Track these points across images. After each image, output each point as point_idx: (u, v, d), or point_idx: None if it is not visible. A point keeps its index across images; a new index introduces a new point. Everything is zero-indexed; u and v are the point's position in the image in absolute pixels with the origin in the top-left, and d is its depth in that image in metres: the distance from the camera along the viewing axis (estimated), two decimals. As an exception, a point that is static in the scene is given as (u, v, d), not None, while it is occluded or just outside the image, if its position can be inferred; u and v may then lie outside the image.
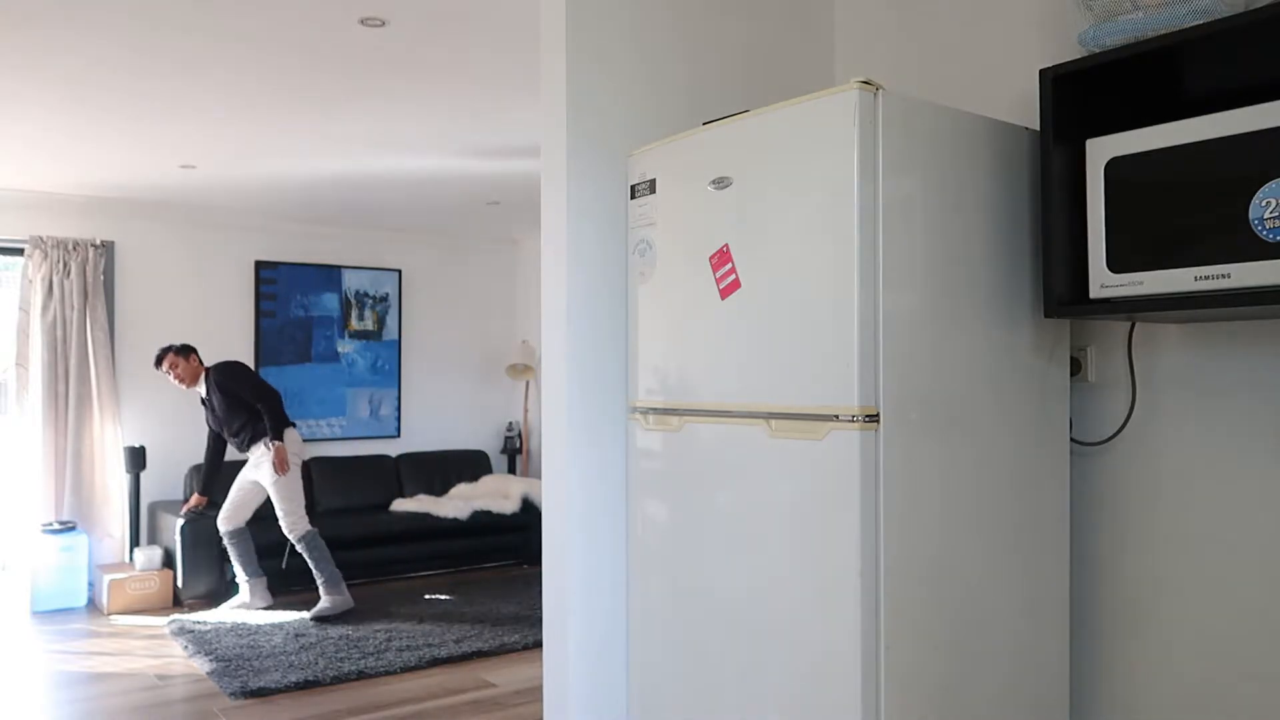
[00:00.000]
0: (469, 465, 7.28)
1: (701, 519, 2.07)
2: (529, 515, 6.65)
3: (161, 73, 3.64)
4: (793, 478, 1.86)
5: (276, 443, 5.27)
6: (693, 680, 2.10)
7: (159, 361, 5.32)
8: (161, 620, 5.35)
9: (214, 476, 5.56)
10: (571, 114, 2.25)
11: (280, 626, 5.12)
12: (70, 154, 4.93)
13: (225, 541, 5.44)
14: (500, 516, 6.61)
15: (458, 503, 6.59)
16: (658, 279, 2.20)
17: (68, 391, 5.91)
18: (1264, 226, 1.57)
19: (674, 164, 2.15)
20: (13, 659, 4.67)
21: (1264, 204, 1.57)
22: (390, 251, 7.27)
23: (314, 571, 5.32)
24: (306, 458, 6.24)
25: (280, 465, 5.24)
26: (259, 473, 5.31)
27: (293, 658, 4.55)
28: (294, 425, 5.46)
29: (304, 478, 6.70)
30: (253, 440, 5.34)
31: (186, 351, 5.37)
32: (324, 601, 5.29)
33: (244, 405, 5.32)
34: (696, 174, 2.08)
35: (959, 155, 1.91)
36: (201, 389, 5.40)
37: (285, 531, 5.29)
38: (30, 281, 5.84)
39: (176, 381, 5.32)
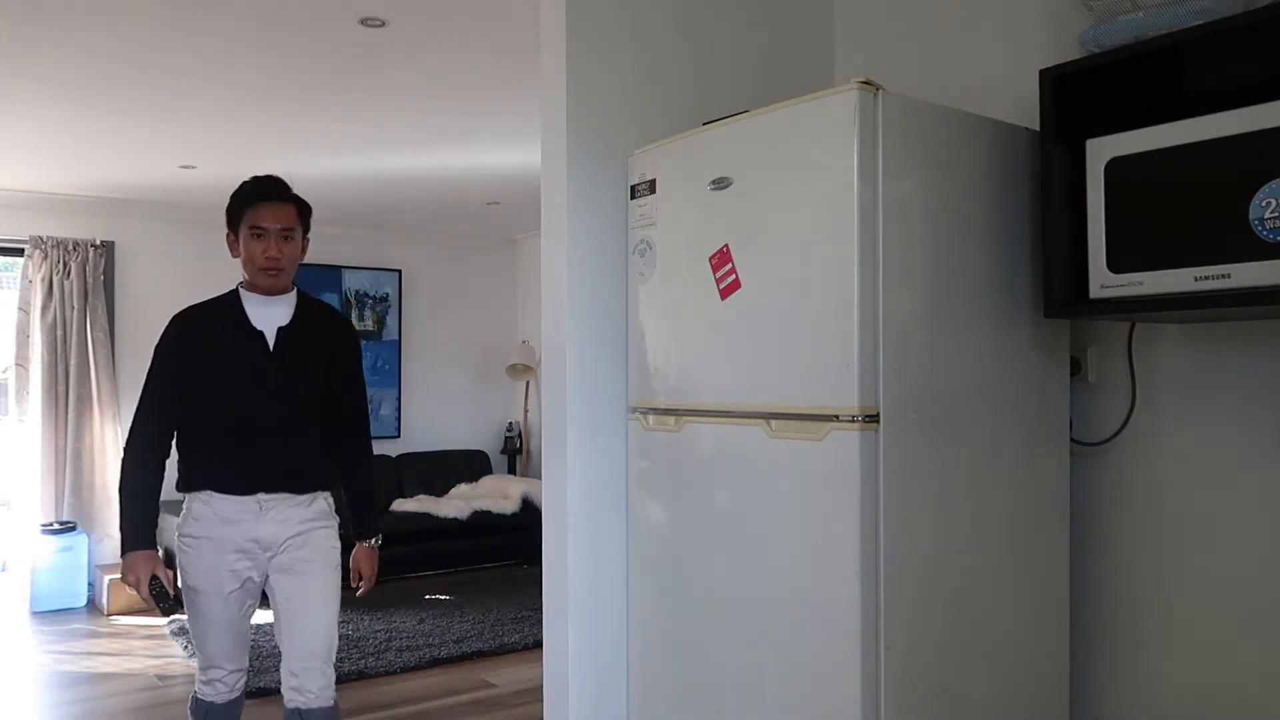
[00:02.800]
0: (469, 465, 7.27)
1: (701, 519, 2.07)
2: (529, 515, 6.65)
3: (161, 73, 3.64)
4: (792, 478, 1.85)
5: (374, 541, 2.64)
6: (692, 680, 2.10)
7: (280, 192, 2.48)
8: (161, 620, 5.34)
9: (155, 514, 2.45)
10: (571, 114, 2.25)
11: (280, 626, 5.12)
12: (70, 154, 4.93)
13: None
14: (500, 516, 6.61)
15: (458, 503, 6.59)
16: (658, 279, 2.20)
17: (68, 391, 5.91)
18: (1264, 226, 1.57)
19: (674, 164, 2.15)
20: (12, 659, 4.67)
21: (1264, 204, 1.57)
22: (390, 251, 7.26)
23: None
24: None
25: (370, 578, 2.63)
26: (301, 576, 2.41)
27: (293, 658, 4.55)
28: None
29: None
30: (309, 485, 2.45)
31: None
32: None
33: (326, 408, 2.51)
34: (696, 174, 2.07)
35: (959, 155, 1.91)
36: (282, 312, 2.46)
37: (307, 693, 2.41)
38: (30, 281, 5.84)
39: (265, 264, 2.42)
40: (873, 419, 1.75)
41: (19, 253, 5.89)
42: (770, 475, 1.90)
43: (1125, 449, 2.12)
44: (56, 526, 5.70)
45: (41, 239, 5.84)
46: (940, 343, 1.87)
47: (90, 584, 5.81)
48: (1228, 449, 1.96)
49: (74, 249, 5.91)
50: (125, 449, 2.41)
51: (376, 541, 2.66)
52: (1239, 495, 1.95)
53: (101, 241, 6.03)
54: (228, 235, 2.53)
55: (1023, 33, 2.28)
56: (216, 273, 6.49)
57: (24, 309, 5.85)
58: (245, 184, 2.52)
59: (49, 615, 5.50)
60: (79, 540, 5.69)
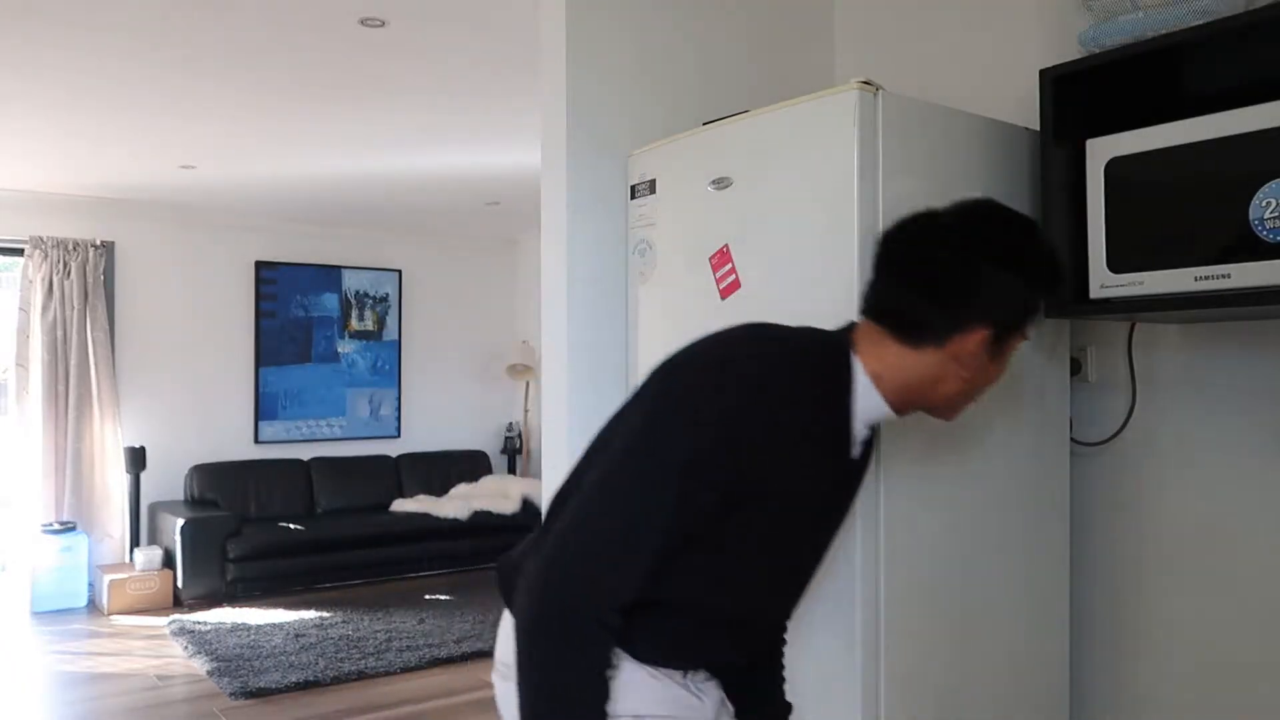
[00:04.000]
0: (469, 465, 7.28)
1: (701, 519, 2.06)
2: (529, 515, 6.65)
3: (161, 73, 3.64)
4: (793, 478, 1.85)
5: None
6: (693, 680, 2.09)
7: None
8: (161, 620, 5.34)
9: None
10: (571, 114, 2.25)
11: (280, 626, 5.12)
12: (70, 154, 4.93)
13: None
14: (500, 516, 6.61)
15: (458, 503, 6.59)
16: (658, 279, 2.20)
17: (68, 391, 5.91)
18: (1264, 226, 1.57)
19: (674, 164, 2.15)
20: (13, 659, 4.67)
21: (1264, 204, 1.57)
22: (390, 251, 7.27)
23: None
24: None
25: None
26: None
27: (293, 658, 4.55)
28: None
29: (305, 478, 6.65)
30: None
31: None
32: None
33: None
34: (696, 174, 2.07)
35: (959, 155, 1.91)
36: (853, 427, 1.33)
37: None
38: (30, 282, 5.84)
39: (978, 398, 1.39)
40: (873, 419, 1.74)
41: (19, 253, 5.89)
42: (770, 475, 1.90)
43: (1125, 449, 2.12)
44: (56, 526, 5.70)
45: (41, 239, 5.84)
46: (940, 343, 1.86)
47: (90, 584, 5.81)
48: (1228, 449, 1.96)
49: (74, 249, 5.91)
50: (569, 625, 1.18)
51: None
52: (1239, 495, 1.95)
53: (101, 241, 6.04)
54: (987, 336, 1.29)
55: (1023, 33, 2.28)
56: (214, 273, 6.52)
57: (24, 309, 5.85)
58: (1040, 259, 1.33)
59: (49, 615, 5.50)
60: (79, 540, 5.69)
